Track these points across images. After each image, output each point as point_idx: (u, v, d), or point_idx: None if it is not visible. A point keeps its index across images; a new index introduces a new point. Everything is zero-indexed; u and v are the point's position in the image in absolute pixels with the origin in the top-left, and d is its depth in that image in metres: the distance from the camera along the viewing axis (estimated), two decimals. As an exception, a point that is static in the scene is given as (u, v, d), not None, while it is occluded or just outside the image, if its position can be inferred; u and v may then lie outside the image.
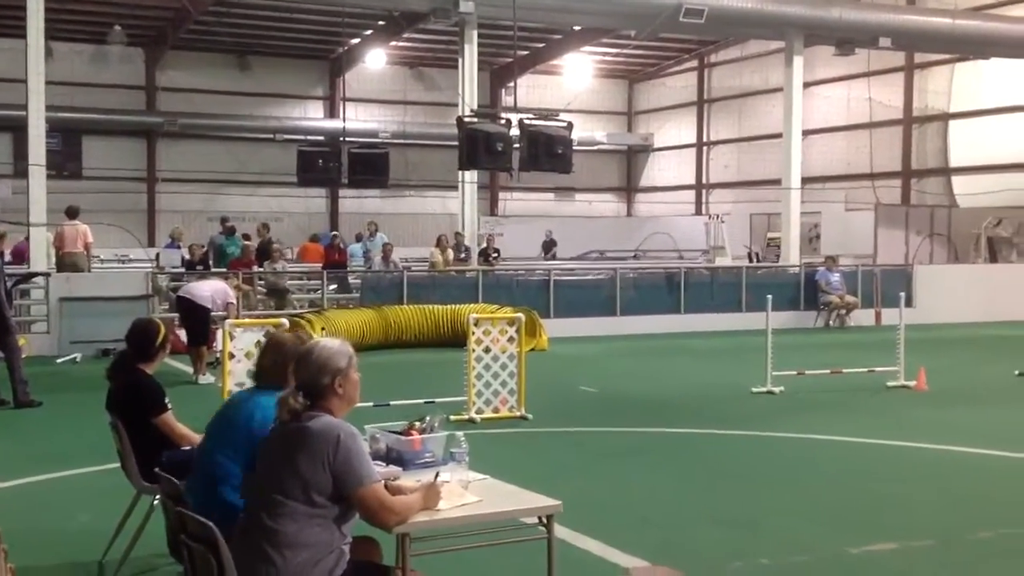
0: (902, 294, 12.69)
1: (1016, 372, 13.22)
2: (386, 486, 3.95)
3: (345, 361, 3.92)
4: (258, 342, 9.02)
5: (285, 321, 9.27)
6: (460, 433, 4.70)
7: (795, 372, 12.40)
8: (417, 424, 4.85)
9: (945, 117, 32.33)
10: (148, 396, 5.56)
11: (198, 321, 12.82)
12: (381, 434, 4.83)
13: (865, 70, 32.11)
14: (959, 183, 31.78)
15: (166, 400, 5.58)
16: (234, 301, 13.49)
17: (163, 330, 5.83)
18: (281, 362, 4.38)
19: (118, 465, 5.82)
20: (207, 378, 12.41)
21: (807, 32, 22.71)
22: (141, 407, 5.52)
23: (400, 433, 4.81)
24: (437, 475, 4.21)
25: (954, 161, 32.26)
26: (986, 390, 12.43)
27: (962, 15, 25.24)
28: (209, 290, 13.10)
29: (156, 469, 4.77)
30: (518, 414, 10.16)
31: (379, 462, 4.53)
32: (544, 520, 4.25)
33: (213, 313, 12.85)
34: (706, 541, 6.37)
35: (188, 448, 5.37)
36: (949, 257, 26.88)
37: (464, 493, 4.25)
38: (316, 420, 3.79)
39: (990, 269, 24.20)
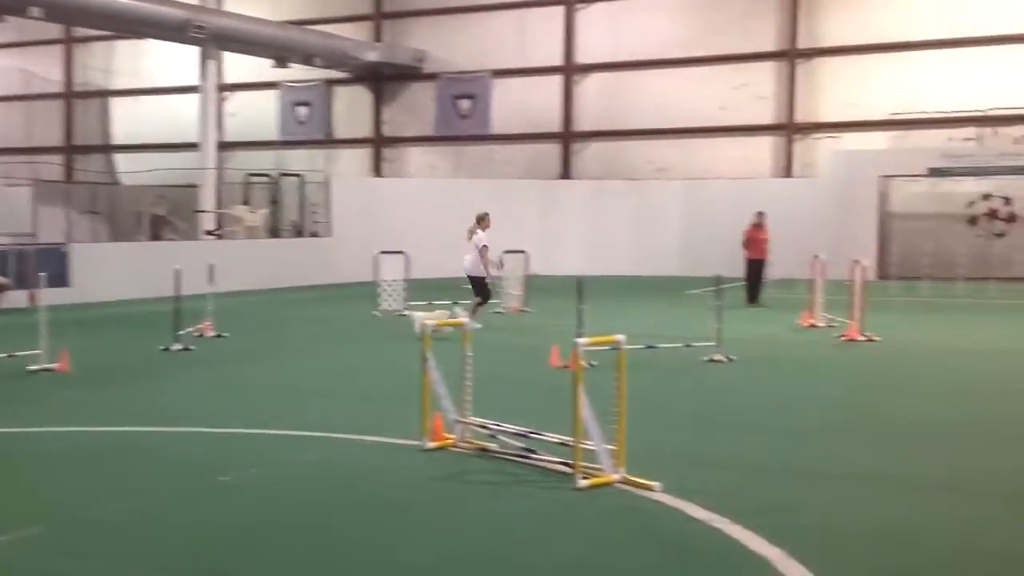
0: (42, 274, 12.20)
1: (161, 348, 13.67)
2: None
3: None
4: None
5: None
6: None
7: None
8: None
9: (106, 94, 32.40)
10: None
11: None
12: None
13: (20, 40, 30.74)
14: (122, 161, 32.17)
15: None
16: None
17: None
18: None
19: None
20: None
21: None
22: None
23: None
24: None
25: (117, 138, 32.56)
26: (133, 367, 12.56)
27: (115, -8, 25.33)
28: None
29: None
30: None
31: None
32: None
33: None
34: None
35: None
36: (112, 235, 27.02)
37: None
38: None
39: (151, 246, 24.82)
